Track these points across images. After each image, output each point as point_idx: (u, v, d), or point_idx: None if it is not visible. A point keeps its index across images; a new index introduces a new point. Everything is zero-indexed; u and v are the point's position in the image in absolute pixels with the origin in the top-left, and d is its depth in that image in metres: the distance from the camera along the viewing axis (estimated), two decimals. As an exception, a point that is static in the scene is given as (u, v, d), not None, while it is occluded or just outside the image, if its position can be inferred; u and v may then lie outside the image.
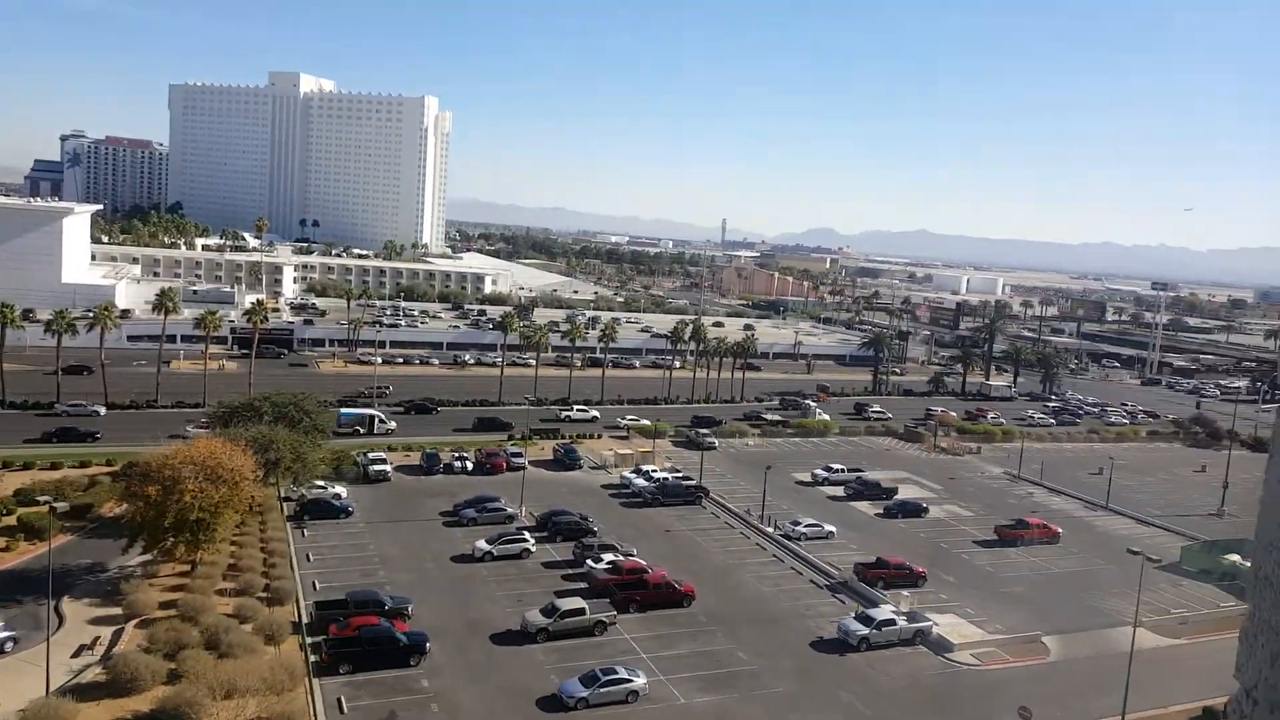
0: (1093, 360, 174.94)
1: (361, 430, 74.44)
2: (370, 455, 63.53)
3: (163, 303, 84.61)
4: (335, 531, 50.72)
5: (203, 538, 40.66)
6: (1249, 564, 55.03)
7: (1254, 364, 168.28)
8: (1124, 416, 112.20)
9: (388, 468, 62.47)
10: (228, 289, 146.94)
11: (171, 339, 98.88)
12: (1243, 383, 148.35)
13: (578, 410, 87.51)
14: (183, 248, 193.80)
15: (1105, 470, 72.95)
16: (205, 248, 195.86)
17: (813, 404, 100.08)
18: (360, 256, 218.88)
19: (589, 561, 46.88)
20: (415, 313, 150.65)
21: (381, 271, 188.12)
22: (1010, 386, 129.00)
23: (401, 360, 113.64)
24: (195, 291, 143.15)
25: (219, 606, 37.18)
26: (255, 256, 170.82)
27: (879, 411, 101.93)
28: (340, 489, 56.45)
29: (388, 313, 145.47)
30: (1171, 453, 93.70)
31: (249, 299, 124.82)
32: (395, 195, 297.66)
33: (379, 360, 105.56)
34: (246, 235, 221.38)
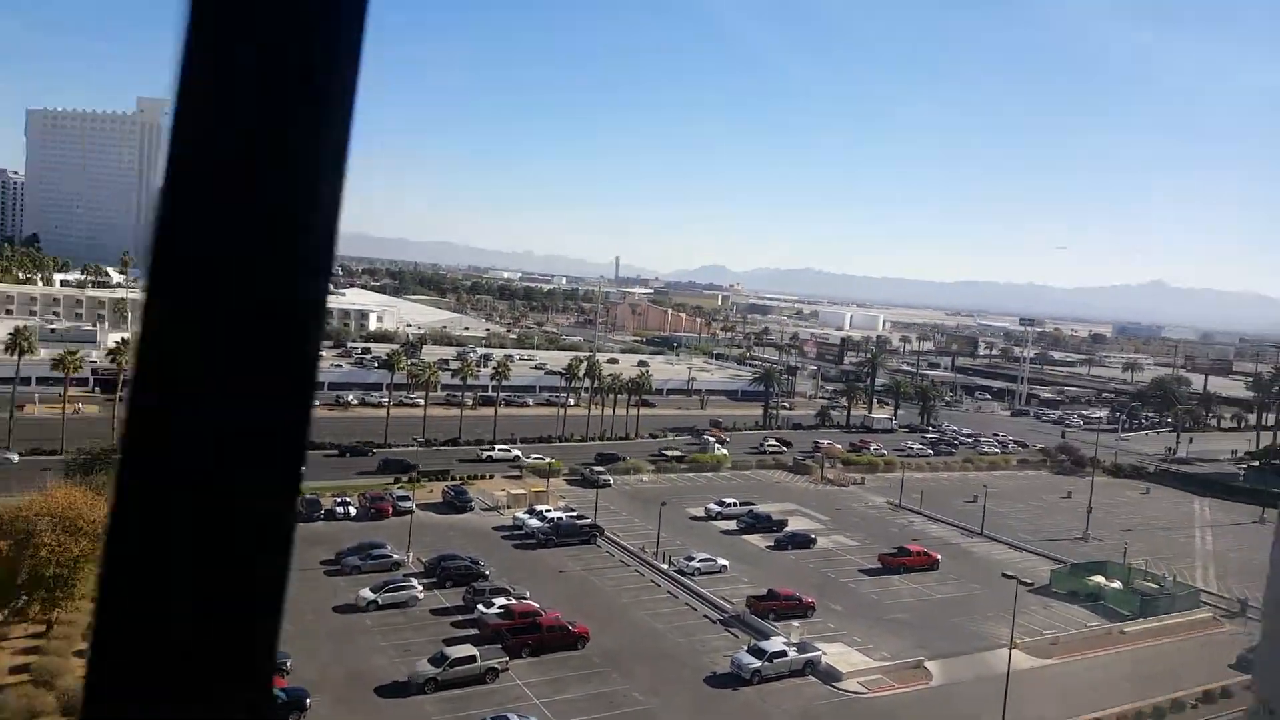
0: (967, 393, 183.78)
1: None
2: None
3: (16, 342, 79.52)
4: (209, 584, 48.32)
5: (60, 595, 38.14)
6: (1115, 585, 58.91)
7: (1113, 395, 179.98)
8: (996, 446, 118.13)
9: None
10: (89, 327, 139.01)
11: (26, 381, 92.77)
12: (1103, 413, 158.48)
13: (499, 450, 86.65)
14: (39, 283, 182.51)
15: (979, 498, 76.70)
16: (64, 283, 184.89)
17: (711, 440, 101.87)
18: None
19: (480, 607, 46.13)
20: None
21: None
22: (891, 419, 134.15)
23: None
24: (53, 330, 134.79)
25: (78, 670, 34.88)
26: (120, 293, 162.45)
27: (775, 445, 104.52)
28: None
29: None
30: (1040, 480, 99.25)
31: (113, 338, 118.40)
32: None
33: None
34: (111, 270, 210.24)
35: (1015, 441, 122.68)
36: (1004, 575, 44.93)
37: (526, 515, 65.12)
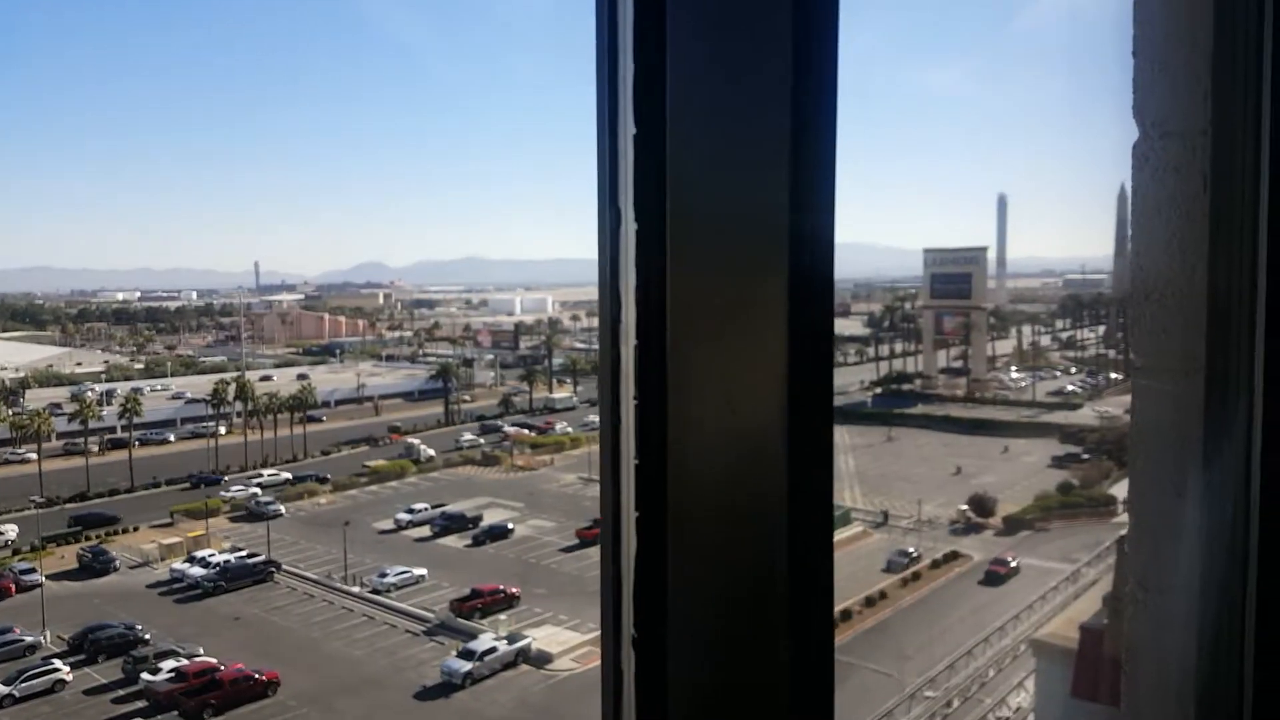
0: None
1: None
2: None
3: None
4: None
5: None
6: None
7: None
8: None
9: None
10: None
11: None
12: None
13: (268, 475, 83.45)
14: None
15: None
16: None
17: (416, 443, 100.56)
18: None
19: (145, 675, 42.25)
20: None
21: None
22: (573, 396, 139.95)
23: None
24: None
25: None
26: None
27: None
28: None
29: None
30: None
31: None
32: None
33: None
34: None
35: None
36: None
37: (186, 564, 60.18)
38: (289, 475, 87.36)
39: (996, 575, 52.62)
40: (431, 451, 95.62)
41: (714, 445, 1.16)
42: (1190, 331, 1.47)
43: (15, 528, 69.12)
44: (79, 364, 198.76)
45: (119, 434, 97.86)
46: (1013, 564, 53.34)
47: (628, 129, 1.21)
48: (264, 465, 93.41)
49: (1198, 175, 1.46)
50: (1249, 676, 1.34)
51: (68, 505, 77.25)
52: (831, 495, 1.18)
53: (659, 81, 1.17)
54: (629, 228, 1.22)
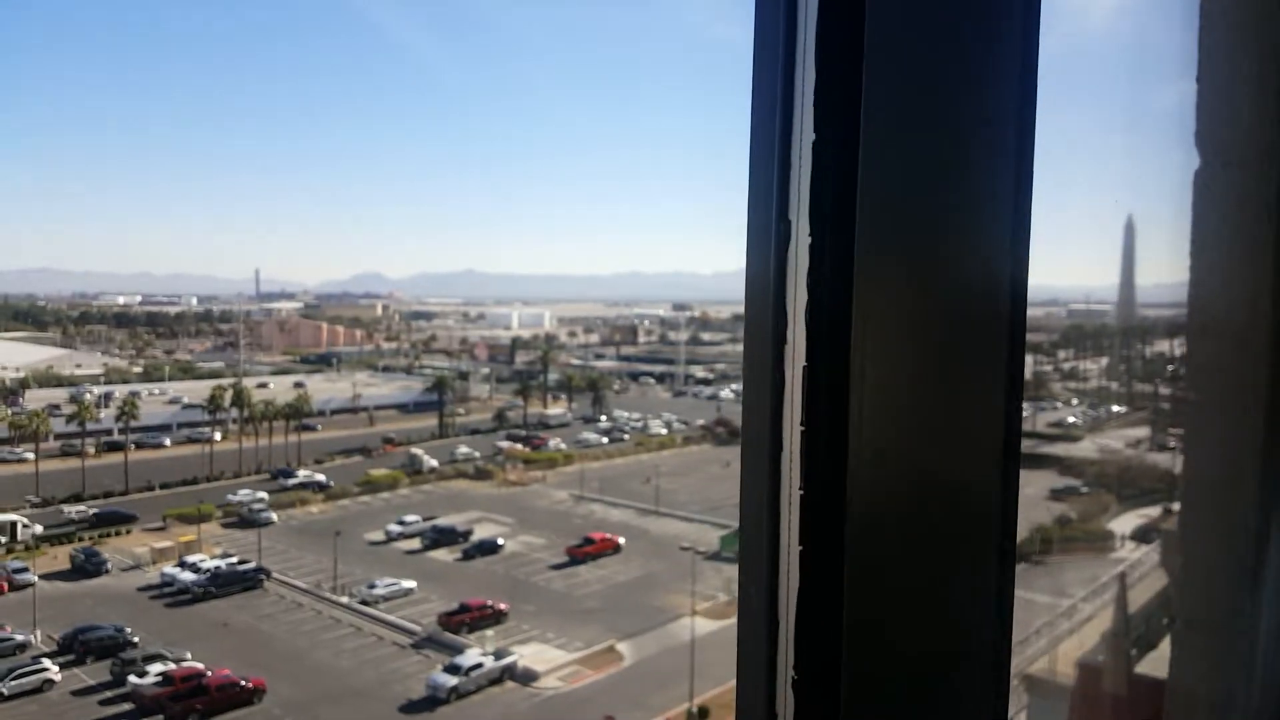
0: (632, 379, 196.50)
1: None
2: None
3: None
4: None
5: None
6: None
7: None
8: (663, 427, 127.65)
9: None
10: None
11: None
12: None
13: (304, 476, 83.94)
14: None
15: (652, 479, 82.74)
16: None
17: (419, 453, 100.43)
18: None
19: (132, 678, 41.89)
20: None
21: None
22: (567, 413, 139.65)
23: None
24: None
25: None
26: None
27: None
28: None
29: None
30: (703, 454, 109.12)
31: None
32: None
33: None
34: None
35: (680, 420, 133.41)
36: (681, 548, 49.24)
37: (177, 569, 59.71)
38: (322, 478, 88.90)
39: None
40: (434, 462, 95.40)
41: (909, 481, 1.08)
42: (1249, 367, 1.42)
43: (39, 526, 69.10)
44: (78, 366, 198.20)
45: (116, 437, 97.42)
46: None
47: (805, 135, 1.14)
48: (258, 472, 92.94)
49: (1260, 206, 1.41)
50: None
51: (63, 506, 76.77)
52: (1016, 538, 1.08)
53: (851, 84, 1.09)
54: (801, 242, 1.14)
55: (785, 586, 1.17)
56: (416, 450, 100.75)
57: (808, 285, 1.13)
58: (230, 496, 79.91)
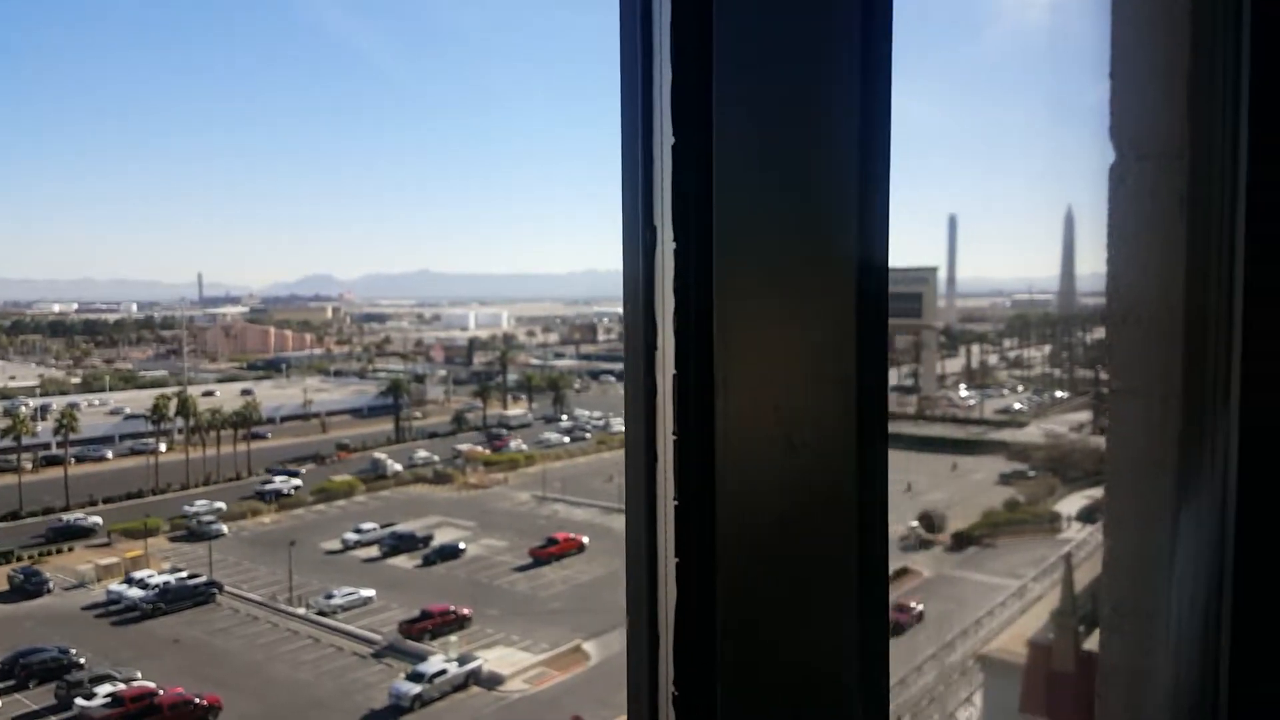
0: (593, 378, 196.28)
1: None
2: None
3: None
4: None
5: None
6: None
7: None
8: (625, 425, 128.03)
9: None
10: None
11: None
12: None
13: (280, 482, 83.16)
14: None
15: (615, 477, 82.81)
16: None
17: (383, 458, 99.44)
18: None
19: (79, 700, 41.13)
20: None
21: None
22: (527, 413, 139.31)
23: None
24: None
25: None
26: None
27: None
28: None
29: None
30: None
31: None
32: None
33: None
34: None
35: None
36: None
37: (124, 586, 58.64)
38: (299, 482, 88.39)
39: (897, 625, 42.51)
40: (399, 466, 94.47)
41: (773, 484, 1.06)
42: (1167, 355, 1.48)
43: None
44: (12, 378, 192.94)
45: (54, 450, 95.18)
46: (916, 609, 45.34)
47: (664, 139, 1.12)
48: (206, 483, 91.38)
49: (1173, 198, 1.46)
50: (1223, 703, 1.34)
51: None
52: (888, 538, 1.07)
53: (702, 86, 1.07)
54: (666, 248, 1.12)
55: (664, 601, 1.16)
56: (380, 455, 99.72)
57: (675, 292, 1.12)
58: (187, 508, 78.78)
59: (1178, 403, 1.45)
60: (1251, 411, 1.29)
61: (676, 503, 1.13)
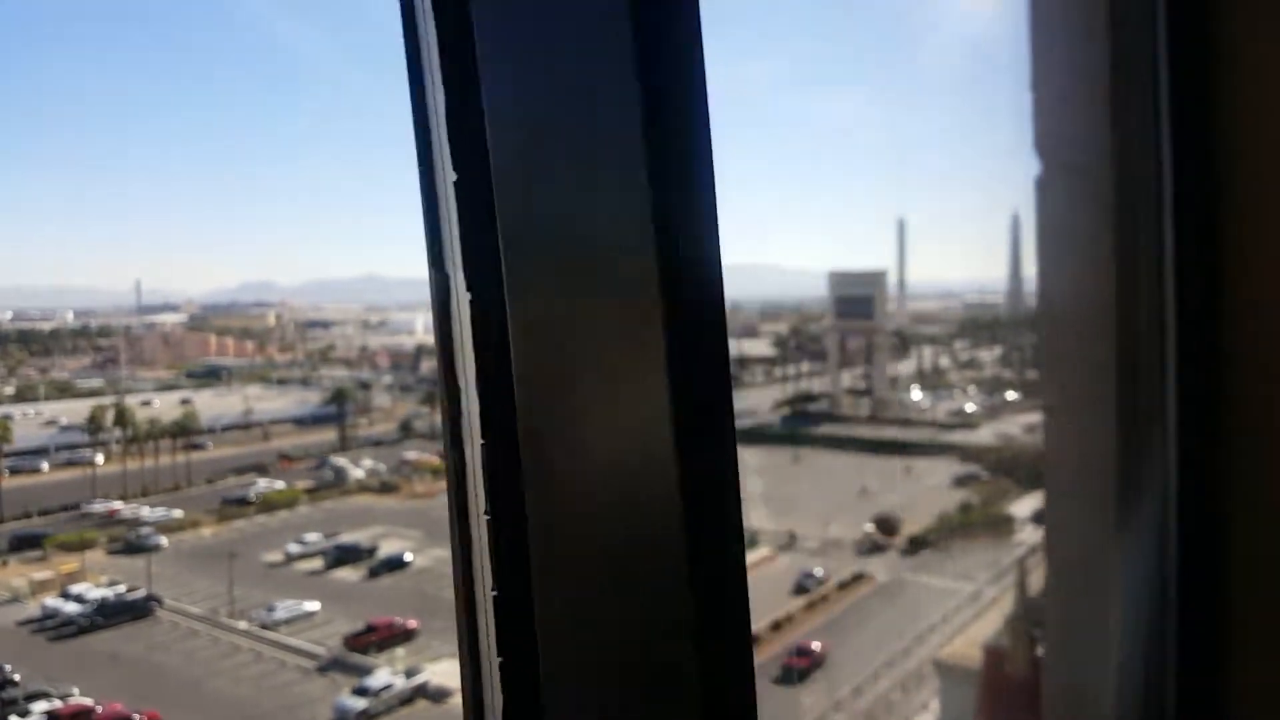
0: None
1: None
2: None
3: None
4: None
5: None
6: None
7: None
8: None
9: None
10: None
11: None
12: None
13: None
14: None
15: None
16: None
17: (344, 463, 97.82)
18: None
19: (13, 719, 40.19)
20: None
21: None
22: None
23: None
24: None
25: None
26: None
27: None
28: None
29: None
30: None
31: None
32: None
33: None
34: None
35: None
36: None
37: (59, 600, 57.24)
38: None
39: (790, 671, 33.98)
40: (360, 472, 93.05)
41: (588, 491, 1.05)
42: (1100, 366, 1.50)
43: None
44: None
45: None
46: (817, 650, 36.00)
47: (446, 176, 1.05)
48: (144, 494, 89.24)
49: (1097, 207, 1.50)
50: (1170, 711, 1.35)
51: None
52: (742, 525, 1.06)
53: (474, 113, 1.00)
54: (461, 294, 1.06)
55: (485, 626, 1.21)
56: (340, 460, 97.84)
57: (473, 336, 1.08)
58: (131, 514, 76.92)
59: (1112, 414, 1.48)
60: (1188, 421, 1.30)
61: (488, 516, 1.17)
